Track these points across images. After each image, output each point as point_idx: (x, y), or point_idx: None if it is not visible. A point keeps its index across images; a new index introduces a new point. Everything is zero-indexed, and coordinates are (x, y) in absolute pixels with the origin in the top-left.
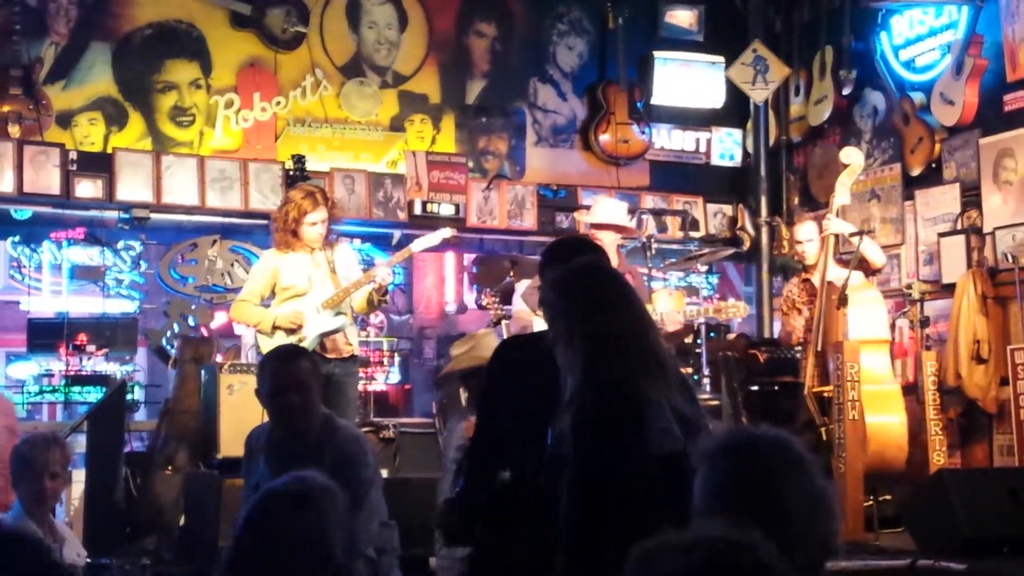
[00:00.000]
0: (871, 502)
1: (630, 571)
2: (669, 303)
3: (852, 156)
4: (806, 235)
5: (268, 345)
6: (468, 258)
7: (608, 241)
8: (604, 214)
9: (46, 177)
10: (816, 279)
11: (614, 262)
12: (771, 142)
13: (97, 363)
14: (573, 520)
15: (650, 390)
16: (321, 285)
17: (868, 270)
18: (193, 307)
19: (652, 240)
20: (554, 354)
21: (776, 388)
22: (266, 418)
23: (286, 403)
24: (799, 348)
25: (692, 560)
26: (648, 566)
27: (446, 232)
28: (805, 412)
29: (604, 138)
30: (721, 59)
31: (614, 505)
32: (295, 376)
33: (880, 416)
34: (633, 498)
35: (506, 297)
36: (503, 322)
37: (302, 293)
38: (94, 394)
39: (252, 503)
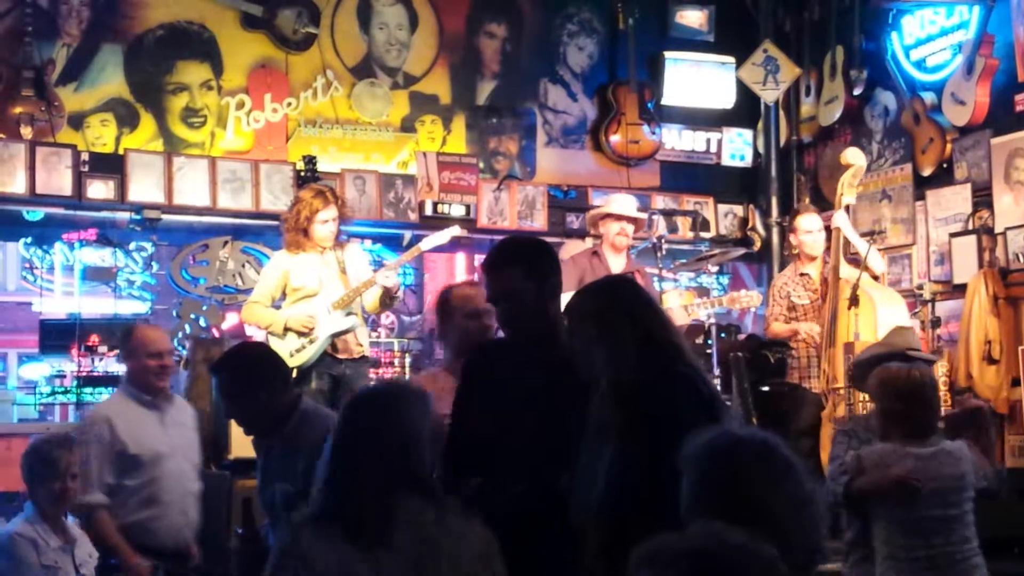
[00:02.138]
0: None
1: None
2: (679, 303)
3: (854, 157)
4: (810, 226)
5: (279, 347)
6: (479, 259)
7: (614, 233)
8: (608, 205)
9: (58, 178)
10: (815, 272)
11: (612, 256)
12: (782, 142)
13: (109, 364)
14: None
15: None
16: (332, 286)
17: (870, 275)
18: (204, 308)
19: (662, 241)
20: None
21: (786, 389)
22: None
23: (227, 414)
24: (791, 349)
25: (682, 545)
26: (644, 568)
27: (455, 230)
28: (815, 412)
29: (615, 139)
30: (731, 59)
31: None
32: (221, 388)
33: None
34: None
35: None
36: None
37: (313, 294)
38: (106, 395)
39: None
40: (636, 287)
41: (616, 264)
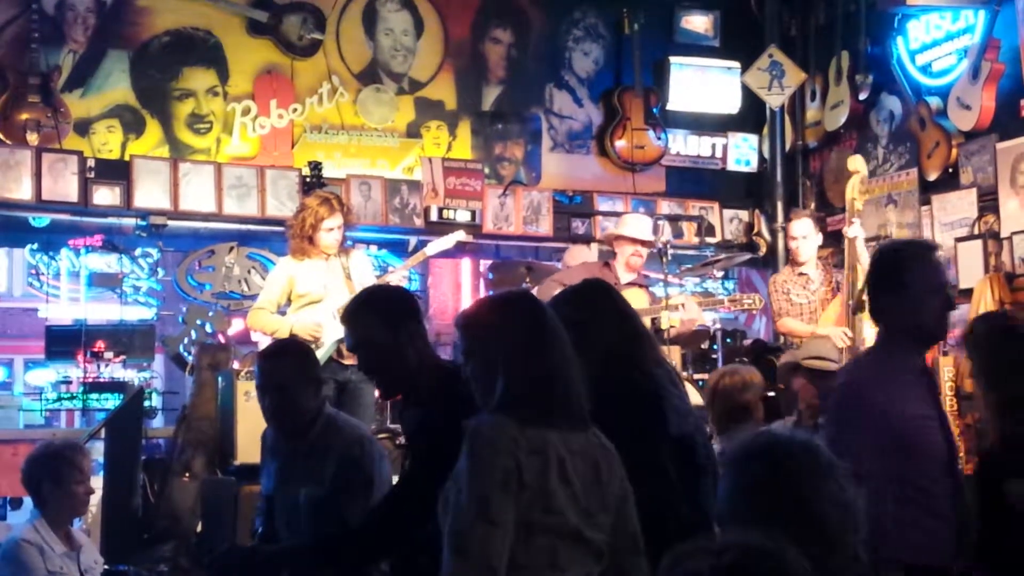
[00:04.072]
0: None
1: (662, 571)
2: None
3: (859, 163)
4: (801, 231)
5: None
6: (484, 264)
7: (628, 254)
8: (623, 227)
9: (64, 184)
10: (814, 274)
11: (624, 272)
12: (787, 147)
13: (115, 370)
14: None
15: (663, 378)
16: (337, 292)
17: None
18: (210, 314)
19: (668, 246)
20: None
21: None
22: None
23: (265, 404)
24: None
25: (720, 562)
26: (677, 565)
27: (460, 235)
28: None
29: (620, 144)
30: (737, 64)
31: (639, 483)
32: (273, 377)
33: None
34: (655, 475)
35: None
36: None
37: (318, 300)
38: (112, 401)
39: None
40: (602, 295)
41: (626, 278)
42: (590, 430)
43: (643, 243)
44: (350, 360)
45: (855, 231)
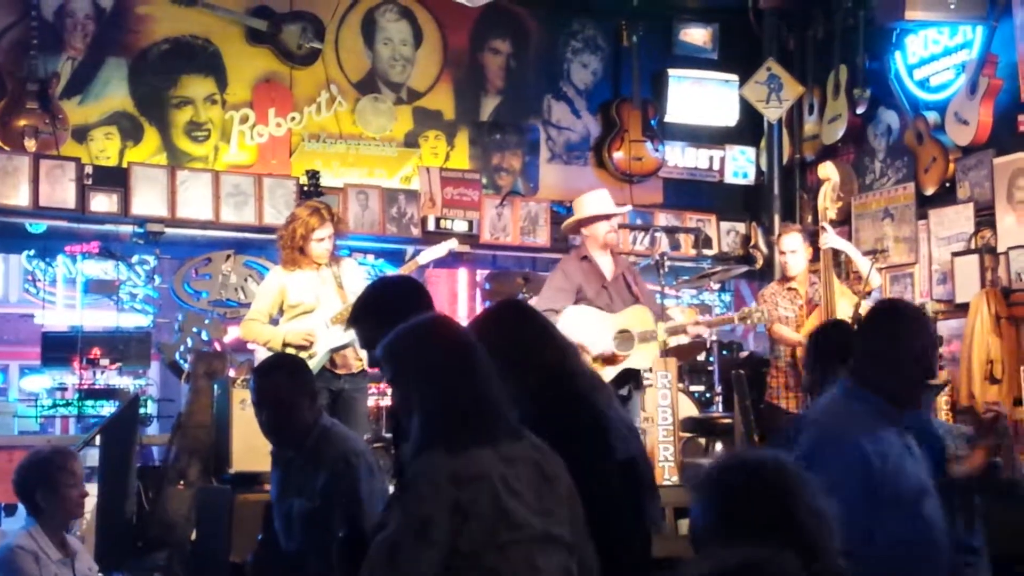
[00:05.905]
0: None
1: None
2: (681, 319)
3: (829, 171)
4: (791, 246)
5: None
6: (481, 274)
7: (604, 232)
8: (588, 208)
9: (62, 191)
10: (801, 289)
11: (601, 258)
12: (785, 160)
13: (110, 377)
14: None
15: (602, 404)
16: (329, 301)
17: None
18: (207, 321)
19: (665, 258)
20: None
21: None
22: None
23: (262, 419)
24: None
25: None
26: None
27: (452, 243)
28: None
29: (618, 155)
30: (735, 77)
31: (589, 511)
32: (269, 392)
33: None
34: (604, 501)
35: None
36: None
37: (310, 310)
38: (107, 408)
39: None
40: (517, 313)
41: (607, 265)
42: (526, 438)
43: (613, 216)
44: (343, 370)
45: (830, 239)
